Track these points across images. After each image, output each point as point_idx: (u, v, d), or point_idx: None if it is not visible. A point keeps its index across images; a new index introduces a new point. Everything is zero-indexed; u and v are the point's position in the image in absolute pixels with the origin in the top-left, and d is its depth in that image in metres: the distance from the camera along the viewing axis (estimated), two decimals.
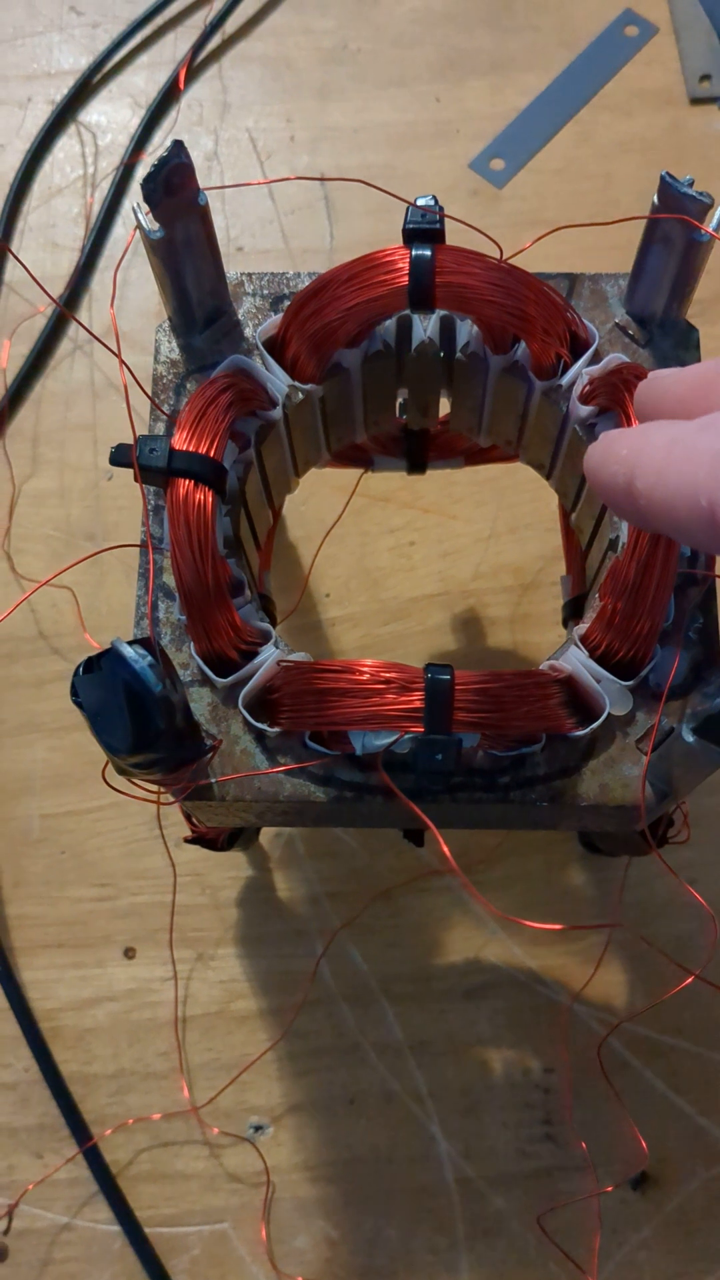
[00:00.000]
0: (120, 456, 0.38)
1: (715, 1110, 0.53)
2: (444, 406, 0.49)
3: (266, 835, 0.57)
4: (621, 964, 0.55)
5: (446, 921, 0.56)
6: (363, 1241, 0.52)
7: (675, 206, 0.38)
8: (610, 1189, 0.52)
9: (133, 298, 0.68)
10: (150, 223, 0.39)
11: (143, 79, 0.74)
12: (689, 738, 0.34)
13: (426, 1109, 0.54)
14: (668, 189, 0.38)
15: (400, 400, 0.49)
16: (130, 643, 0.32)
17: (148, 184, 0.37)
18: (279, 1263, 0.52)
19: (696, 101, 0.72)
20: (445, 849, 0.34)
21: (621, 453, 0.30)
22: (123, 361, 0.38)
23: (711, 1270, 0.51)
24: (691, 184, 0.38)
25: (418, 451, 0.53)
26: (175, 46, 0.74)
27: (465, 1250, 0.52)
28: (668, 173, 0.37)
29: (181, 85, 0.72)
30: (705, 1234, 0.52)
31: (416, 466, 0.54)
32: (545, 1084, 0.54)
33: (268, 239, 0.69)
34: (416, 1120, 0.54)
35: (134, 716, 0.32)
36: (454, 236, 0.41)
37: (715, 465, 0.26)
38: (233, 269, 0.45)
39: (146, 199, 0.37)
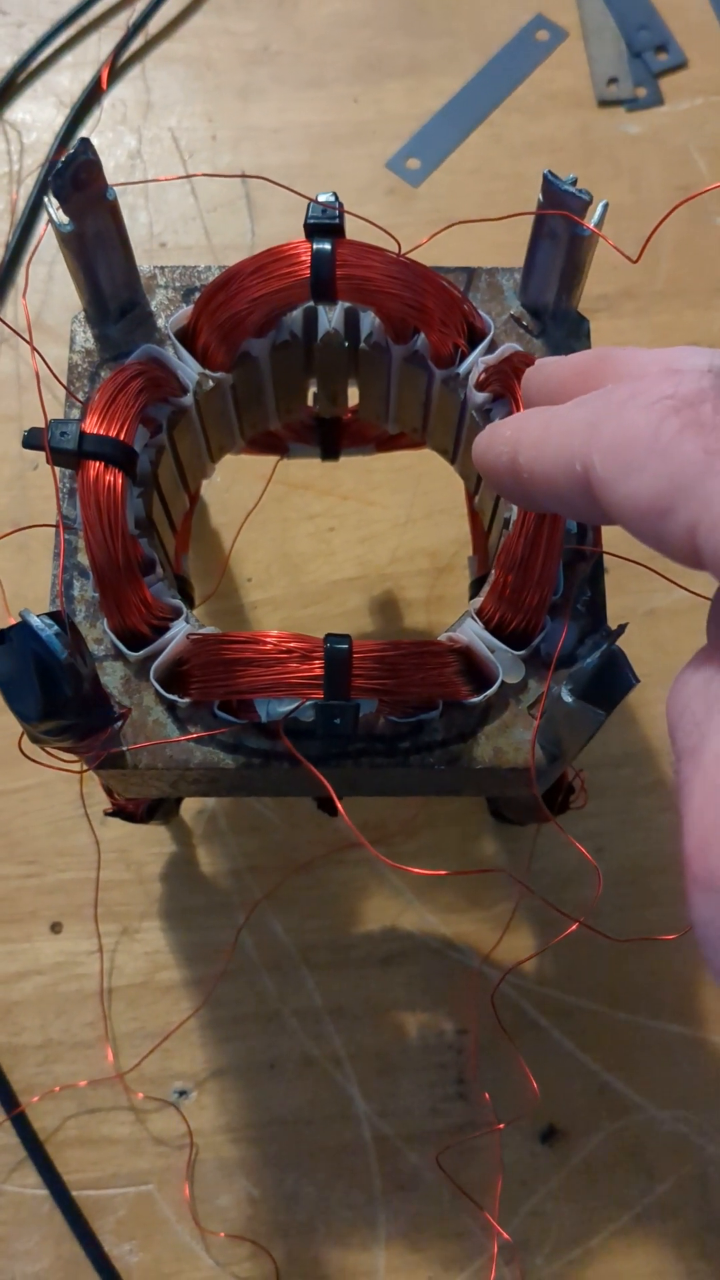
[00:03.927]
0: (32, 439, 0.40)
1: (619, 1066, 0.56)
2: (354, 396, 0.51)
3: (189, 811, 0.59)
4: (530, 929, 0.58)
5: (364, 892, 0.59)
6: (283, 1198, 0.54)
7: (558, 203, 0.40)
8: (501, 1127, 0.54)
9: (59, 292, 0.70)
10: (61, 216, 0.40)
11: (67, 78, 0.75)
12: (568, 699, 0.36)
13: (344, 1071, 0.56)
14: (550, 186, 0.40)
15: (312, 390, 0.51)
16: (39, 615, 0.34)
17: (57, 179, 0.39)
18: (202, 1221, 0.54)
19: (604, 104, 0.74)
20: (340, 807, 0.36)
21: (505, 433, 0.33)
22: (34, 349, 0.40)
23: (615, 1217, 0.54)
24: (574, 182, 0.40)
25: (331, 439, 0.55)
26: (99, 46, 0.76)
27: (382, 1204, 0.54)
28: (550, 171, 0.40)
29: (104, 85, 0.74)
30: (609, 1183, 0.55)
31: (330, 453, 0.56)
32: (458, 1045, 0.56)
33: (190, 235, 0.71)
34: (335, 1082, 0.56)
35: (42, 684, 0.34)
36: (364, 233, 0.43)
37: (586, 434, 0.28)
38: (156, 264, 0.47)
39: (56, 194, 0.39)
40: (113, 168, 0.72)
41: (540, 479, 0.30)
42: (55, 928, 0.58)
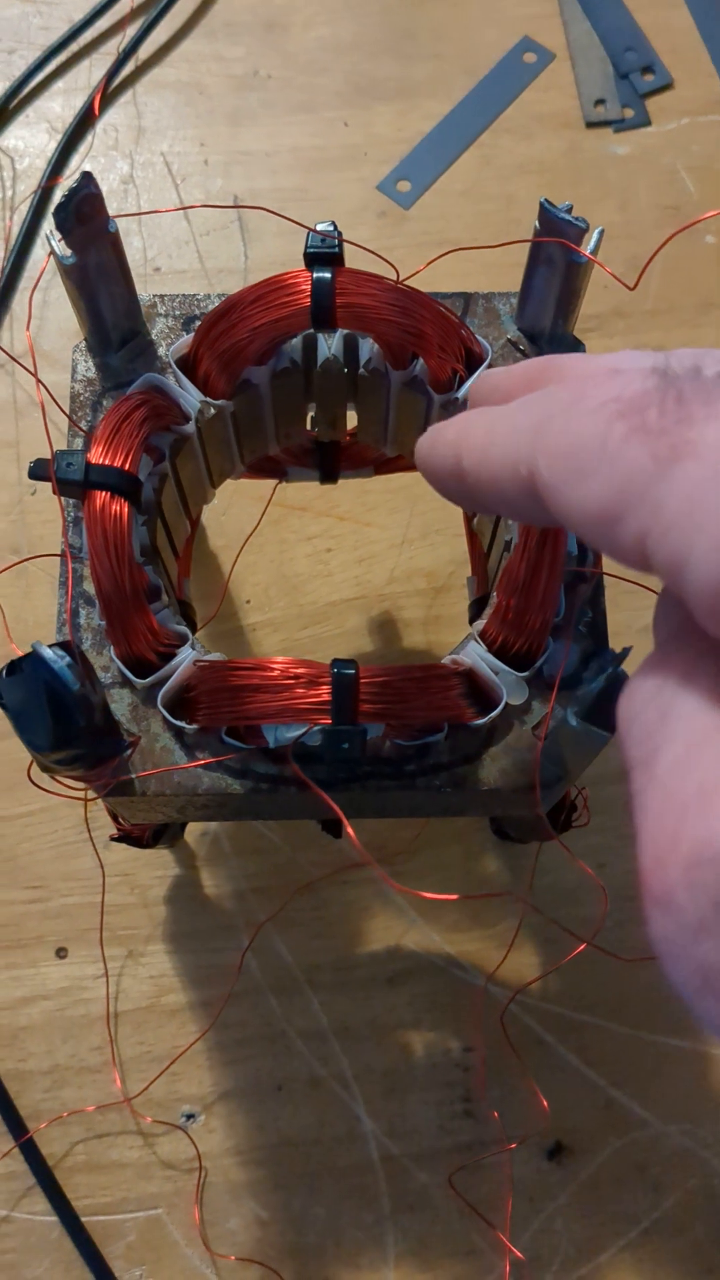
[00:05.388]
0: (39, 470, 0.40)
1: (625, 1082, 0.56)
2: (352, 419, 0.52)
3: (193, 834, 0.60)
4: (534, 946, 0.58)
5: (368, 912, 0.59)
6: (292, 1220, 0.54)
7: (554, 231, 0.41)
8: (513, 1145, 0.54)
9: (53, 318, 0.70)
10: (63, 249, 0.41)
11: (59, 104, 0.76)
12: (573, 722, 0.37)
13: (351, 1092, 0.56)
14: (546, 214, 0.40)
15: (311, 414, 0.51)
16: (50, 645, 0.34)
17: (59, 213, 0.39)
18: (212, 1244, 0.54)
19: (592, 125, 0.75)
20: (350, 831, 0.37)
21: (449, 437, 0.31)
22: (39, 381, 0.40)
23: (624, 1233, 0.54)
24: (570, 209, 0.41)
25: (329, 462, 0.56)
26: (90, 73, 0.76)
27: (391, 1224, 0.54)
28: (546, 199, 0.40)
29: (97, 111, 0.74)
30: (617, 1199, 0.55)
31: (329, 476, 0.56)
32: (464, 1063, 0.56)
33: (184, 260, 0.71)
34: (342, 1103, 0.56)
35: (54, 715, 0.34)
36: (358, 258, 0.43)
37: (531, 437, 0.27)
38: (150, 289, 0.47)
39: (59, 227, 0.40)
40: (106, 193, 0.72)
41: (486, 483, 0.29)
42: (60, 952, 0.58)
